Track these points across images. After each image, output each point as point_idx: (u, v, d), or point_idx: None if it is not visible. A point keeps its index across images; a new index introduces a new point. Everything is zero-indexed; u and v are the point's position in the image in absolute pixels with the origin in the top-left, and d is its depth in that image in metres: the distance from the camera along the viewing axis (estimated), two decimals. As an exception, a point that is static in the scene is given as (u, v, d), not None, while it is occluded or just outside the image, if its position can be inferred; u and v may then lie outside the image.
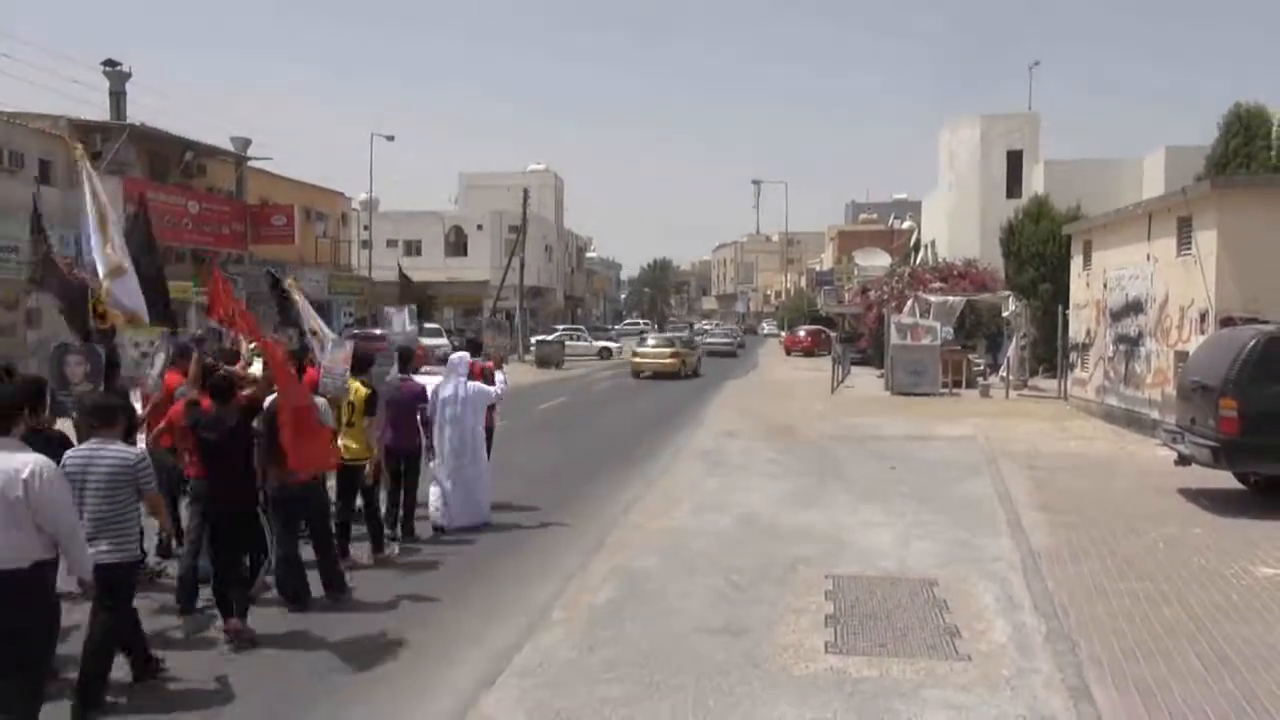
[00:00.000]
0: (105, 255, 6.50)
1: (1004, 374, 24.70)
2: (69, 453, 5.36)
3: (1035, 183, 31.56)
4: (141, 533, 6.11)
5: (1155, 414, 15.10)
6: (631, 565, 8.04)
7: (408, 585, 7.68)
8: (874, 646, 6.11)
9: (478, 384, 9.82)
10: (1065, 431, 16.76)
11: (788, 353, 47.66)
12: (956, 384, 24.60)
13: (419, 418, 9.21)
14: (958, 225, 34.17)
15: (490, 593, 7.54)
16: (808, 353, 45.07)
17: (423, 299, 32.81)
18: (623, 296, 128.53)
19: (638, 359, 31.90)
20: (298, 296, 8.91)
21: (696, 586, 7.43)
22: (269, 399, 6.79)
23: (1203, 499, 10.58)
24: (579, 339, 44.63)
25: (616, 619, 6.68)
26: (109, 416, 5.48)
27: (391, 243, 54.17)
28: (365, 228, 47.30)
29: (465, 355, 10.12)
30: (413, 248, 56.02)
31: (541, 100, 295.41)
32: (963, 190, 34.25)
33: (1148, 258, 16.46)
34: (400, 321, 13.69)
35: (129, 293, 6.74)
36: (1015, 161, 33.60)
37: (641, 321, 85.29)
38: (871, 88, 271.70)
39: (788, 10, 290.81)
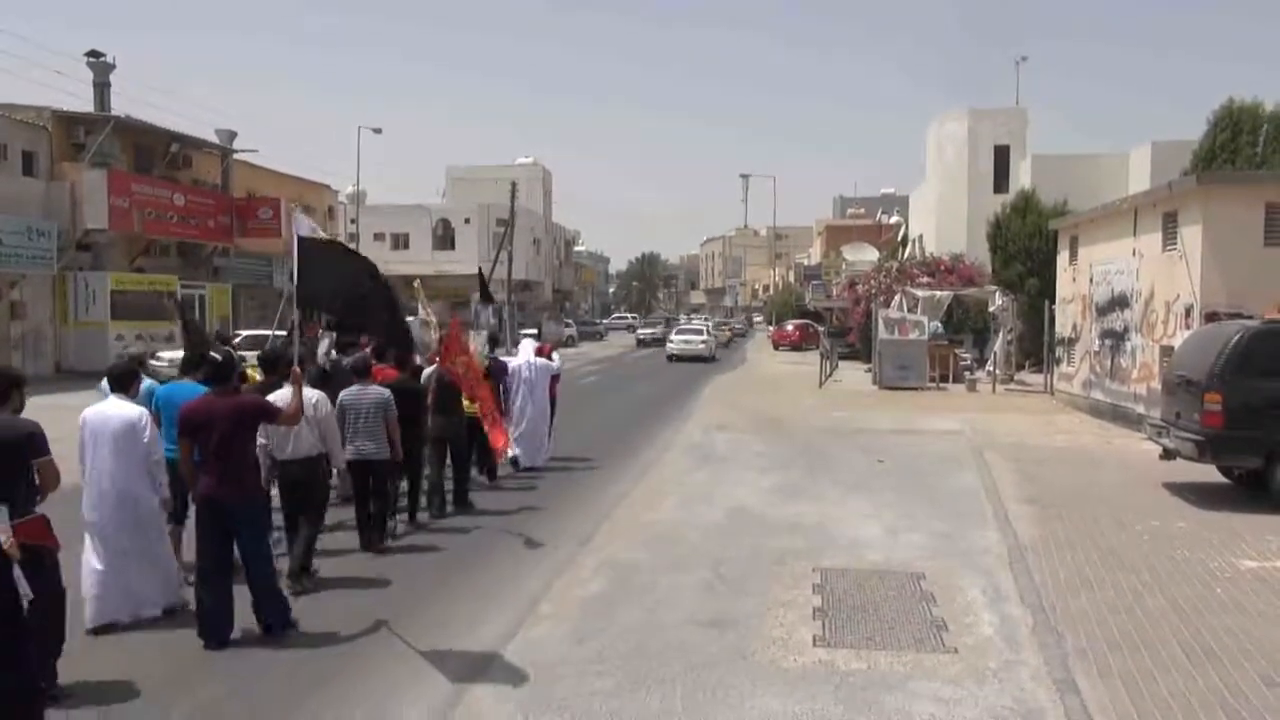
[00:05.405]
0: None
1: (991, 368, 24.81)
2: (345, 390, 8.51)
3: (1022, 177, 31.59)
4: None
5: (1141, 408, 15.19)
6: (621, 558, 8.06)
7: (399, 576, 7.68)
8: (862, 639, 6.15)
9: (543, 360, 12.76)
10: (1051, 425, 16.86)
11: (775, 347, 47.63)
12: (944, 378, 24.72)
13: (501, 387, 11.77)
14: (945, 220, 34.25)
15: (480, 585, 7.54)
16: (795, 347, 44.98)
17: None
18: (611, 290, 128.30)
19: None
20: (420, 298, 11.22)
21: (685, 579, 7.45)
22: (426, 371, 9.99)
23: (1187, 492, 10.66)
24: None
25: (606, 612, 6.70)
26: (368, 371, 8.74)
27: (379, 236, 53.95)
28: (352, 221, 47.09)
29: (533, 341, 13.71)
30: (400, 241, 55.79)
31: (528, 94, 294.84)
32: (950, 185, 34.31)
33: (1133, 253, 16.55)
34: (486, 316, 18.15)
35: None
36: (1002, 156, 33.64)
37: (630, 316, 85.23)
38: (861, 83, 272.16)
39: (778, 5, 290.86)
